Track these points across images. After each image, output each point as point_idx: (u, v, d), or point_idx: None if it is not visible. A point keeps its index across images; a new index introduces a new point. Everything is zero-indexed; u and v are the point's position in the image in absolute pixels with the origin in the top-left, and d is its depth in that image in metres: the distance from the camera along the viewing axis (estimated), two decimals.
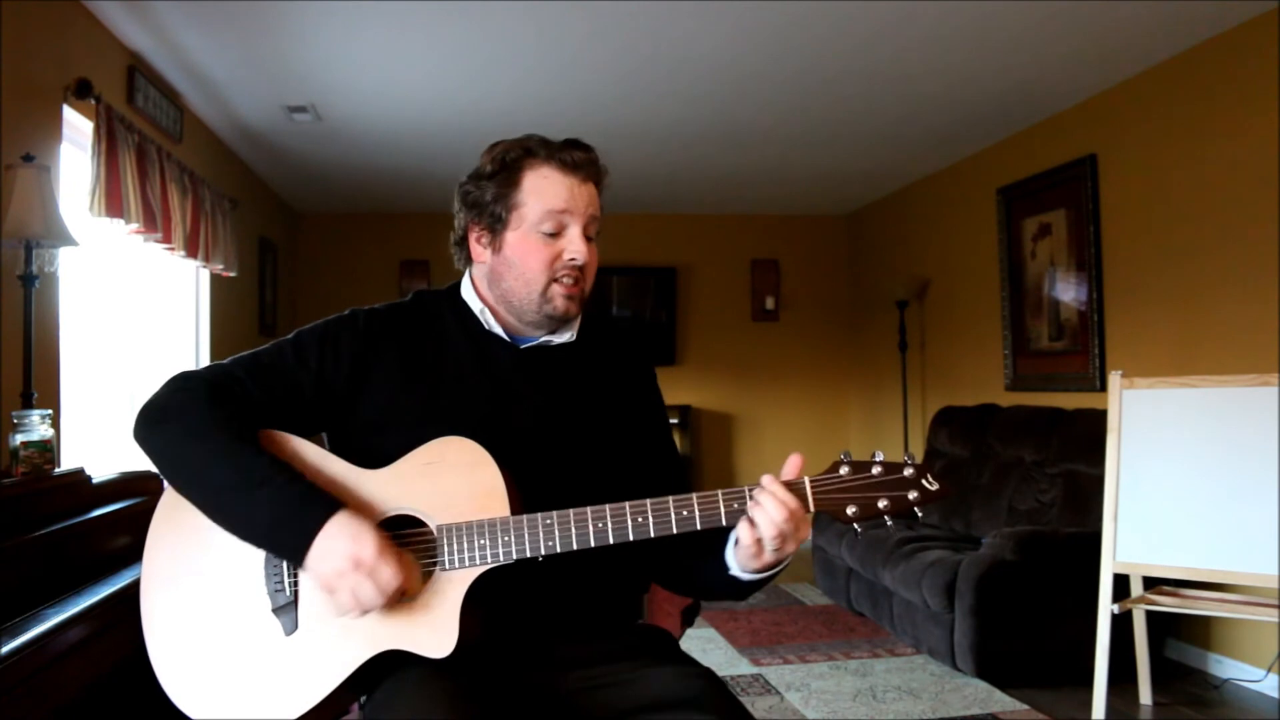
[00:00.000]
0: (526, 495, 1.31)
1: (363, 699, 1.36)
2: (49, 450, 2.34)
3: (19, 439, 2.29)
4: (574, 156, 1.39)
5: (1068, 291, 4.58)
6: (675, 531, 1.26)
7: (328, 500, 1.25)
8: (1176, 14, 3.44)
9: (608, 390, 1.49)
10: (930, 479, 1.24)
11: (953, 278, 5.76)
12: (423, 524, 1.29)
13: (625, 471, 1.44)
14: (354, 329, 1.42)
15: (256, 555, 1.29)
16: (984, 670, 3.55)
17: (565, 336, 1.46)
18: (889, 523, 1.26)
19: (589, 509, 1.26)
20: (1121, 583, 3.16)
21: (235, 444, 1.27)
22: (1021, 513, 4.22)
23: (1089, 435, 3.88)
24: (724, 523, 1.26)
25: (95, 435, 3.50)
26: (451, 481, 1.28)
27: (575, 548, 1.26)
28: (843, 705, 3.36)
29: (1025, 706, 3.31)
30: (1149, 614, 3.28)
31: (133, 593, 1.99)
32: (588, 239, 1.41)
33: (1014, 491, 4.34)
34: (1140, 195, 4.09)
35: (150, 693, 1.30)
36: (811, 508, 1.25)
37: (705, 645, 4.15)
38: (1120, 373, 3.15)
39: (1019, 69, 4.01)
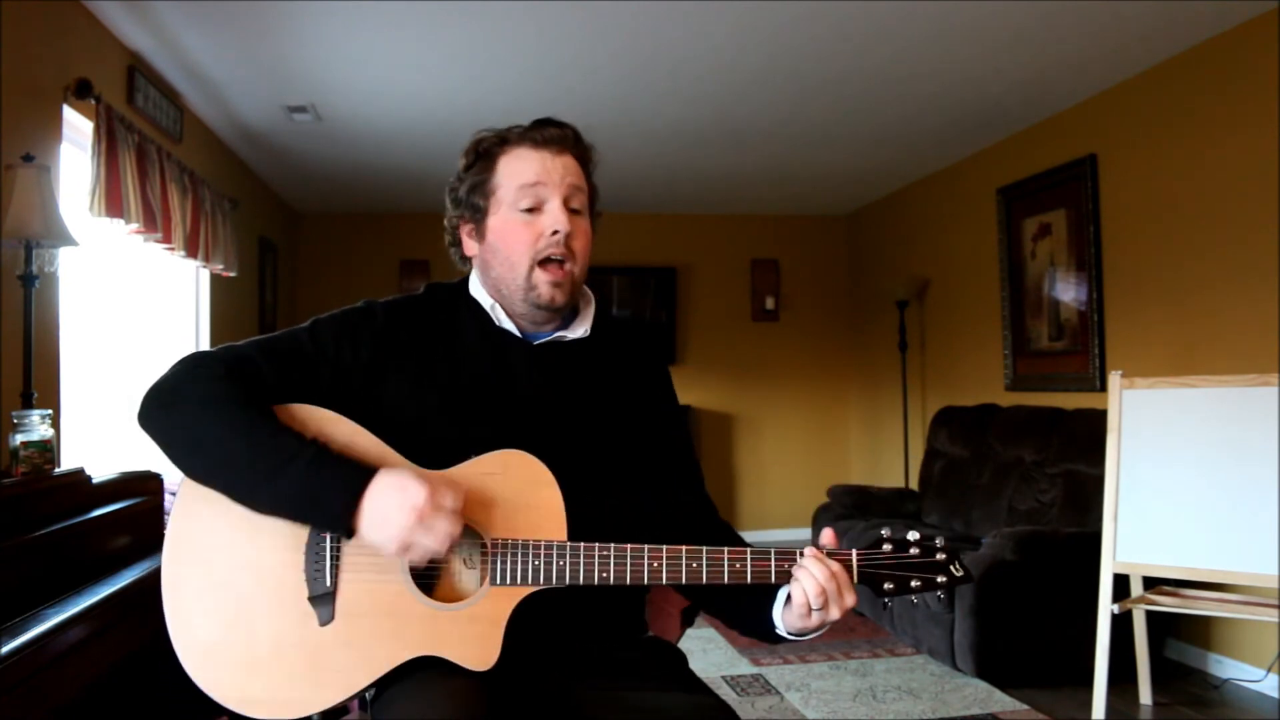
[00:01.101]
0: None
1: (369, 692, 1.36)
2: (49, 450, 2.34)
3: (19, 439, 2.29)
4: (544, 133, 1.38)
5: (1068, 291, 4.58)
6: (726, 582, 1.28)
7: (362, 465, 1.23)
8: (1176, 14, 3.44)
9: (621, 388, 1.47)
10: (959, 566, 1.32)
11: (953, 278, 5.76)
12: (475, 534, 1.28)
13: (639, 469, 1.44)
14: (372, 322, 1.39)
15: (298, 537, 1.25)
16: (984, 670, 3.55)
17: (578, 332, 1.45)
18: (914, 600, 1.37)
19: (646, 547, 1.27)
20: (1121, 583, 3.16)
21: (260, 419, 1.23)
22: (1021, 513, 4.22)
23: (1089, 435, 3.88)
24: (773, 580, 1.30)
25: (95, 435, 3.50)
26: (511, 496, 1.28)
27: (629, 583, 1.27)
28: (843, 705, 3.36)
29: (1025, 706, 3.31)
30: (1149, 614, 3.28)
31: (133, 592, 2.00)
32: (574, 211, 1.39)
33: (1014, 491, 4.34)
34: (1140, 195, 4.09)
35: (150, 693, 1.30)
36: (855, 579, 1.30)
37: (705, 645, 4.15)
38: (1120, 373, 3.15)
39: (1019, 69, 4.01)
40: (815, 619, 1.28)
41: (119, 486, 2.52)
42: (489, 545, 1.26)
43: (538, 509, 1.27)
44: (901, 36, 3.65)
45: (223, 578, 1.26)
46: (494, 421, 1.33)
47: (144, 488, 2.60)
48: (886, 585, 1.31)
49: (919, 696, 3.44)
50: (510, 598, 1.25)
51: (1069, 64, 3.95)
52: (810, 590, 1.26)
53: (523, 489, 1.28)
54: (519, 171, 1.37)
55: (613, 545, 1.26)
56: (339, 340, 1.36)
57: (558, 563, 1.25)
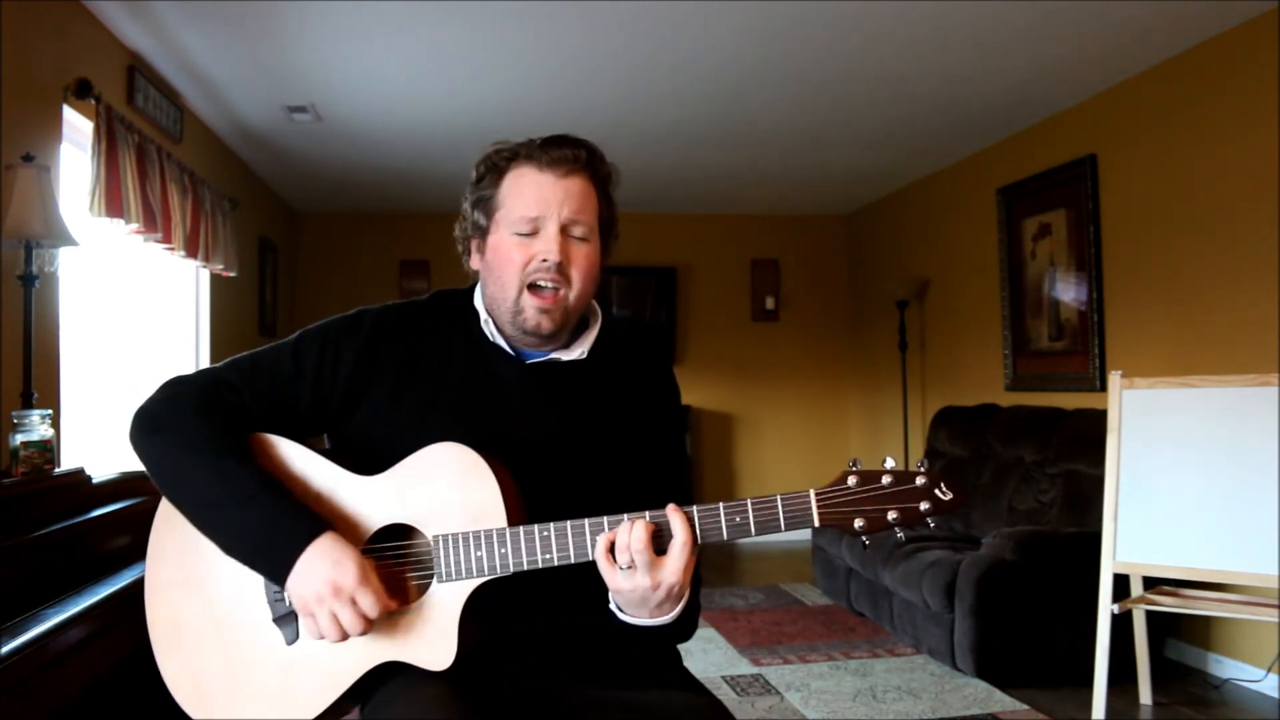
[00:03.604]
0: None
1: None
2: (49, 450, 2.34)
3: (19, 439, 2.29)
4: (551, 154, 1.34)
5: (1068, 291, 4.58)
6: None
7: (314, 520, 1.23)
8: (1176, 14, 3.44)
9: (617, 412, 1.42)
10: (944, 488, 1.20)
11: (953, 278, 5.76)
12: (418, 533, 1.28)
13: (628, 495, 1.39)
14: (357, 334, 1.38)
15: None
16: (984, 670, 3.55)
17: (574, 354, 1.41)
18: (899, 534, 1.23)
19: (586, 521, 1.23)
20: (1121, 583, 3.16)
21: (224, 458, 1.25)
22: (1021, 513, 4.22)
23: (1089, 435, 3.88)
24: (725, 537, 1.22)
25: (95, 435, 3.50)
26: (447, 490, 1.26)
27: (573, 561, 1.23)
28: (843, 705, 3.36)
29: (1025, 706, 3.31)
30: (1149, 614, 3.28)
31: (133, 592, 2.00)
32: (575, 239, 1.35)
33: (1014, 491, 4.34)
34: (1140, 195, 4.09)
35: (150, 693, 1.30)
36: (816, 522, 1.20)
37: (705, 645, 4.14)
38: (1120, 373, 3.15)
39: (1019, 69, 4.01)
40: (621, 580, 1.21)
41: (119, 486, 2.52)
42: (431, 543, 1.25)
43: (475, 499, 1.25)
44: (901, 36, 3.65)
45: (195, 604, 1.30)
46: (471, 436, 1.29)
47: (144, 488, 2.60)
48: (858, 523, 1.20)
49: (919, 696, 3.44)
50: (460, 593, 1.24)
51: (1069, 64, 3.95)
52: (619, 541, 1.20)
53: (458, 482, 1.26)
54: (520, 194, 1.34)
55: (552, 524, 1.23)
56: (320, 357, 1.35)
57: (499, 550, 1.23)
